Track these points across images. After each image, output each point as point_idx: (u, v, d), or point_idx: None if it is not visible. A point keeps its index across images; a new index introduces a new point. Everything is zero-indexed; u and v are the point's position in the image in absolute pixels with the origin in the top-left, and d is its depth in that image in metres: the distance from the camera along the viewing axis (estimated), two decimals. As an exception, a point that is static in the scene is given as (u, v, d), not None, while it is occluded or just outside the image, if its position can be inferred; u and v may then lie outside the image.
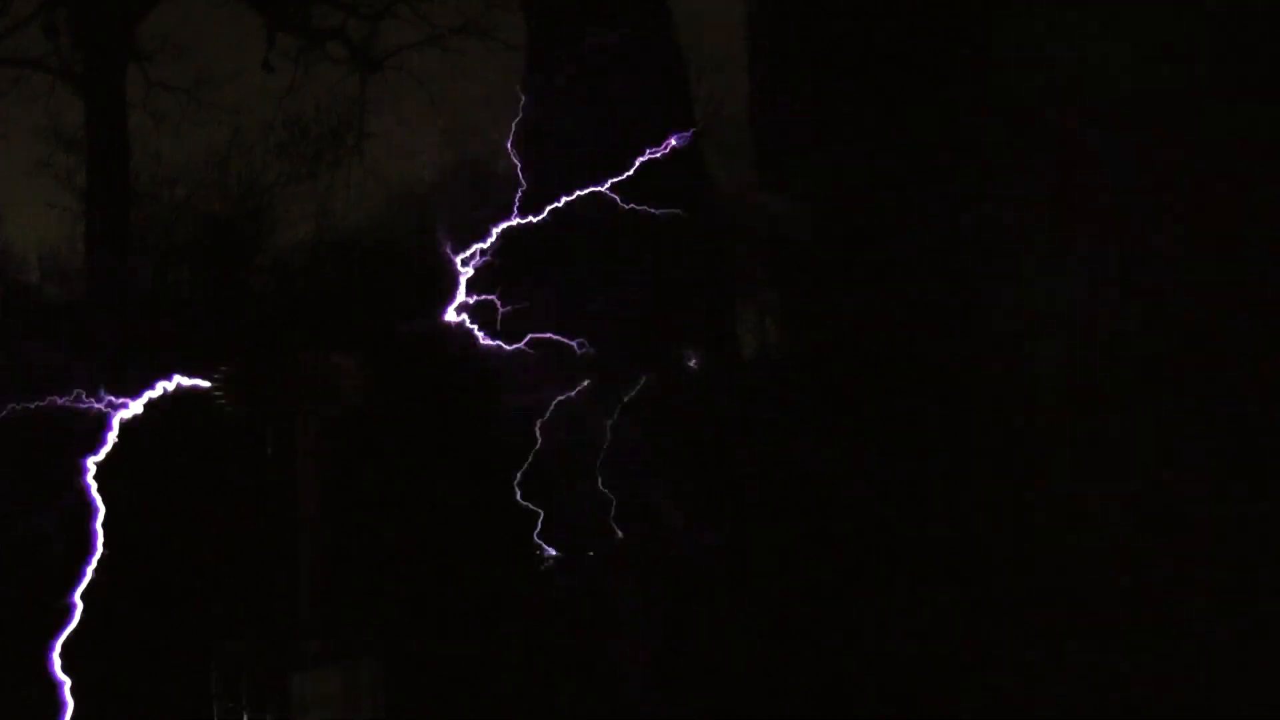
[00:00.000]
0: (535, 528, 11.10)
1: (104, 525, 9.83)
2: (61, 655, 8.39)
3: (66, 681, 7.44)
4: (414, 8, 14.92)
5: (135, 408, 7.88)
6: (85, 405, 8.20)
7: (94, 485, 7.54)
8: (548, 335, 10.19)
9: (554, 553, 11.35)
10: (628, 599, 10.44)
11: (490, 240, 9.60)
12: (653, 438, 10.88)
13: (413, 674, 10.12)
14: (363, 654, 9.51)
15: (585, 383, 10.65)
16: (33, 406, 8.89)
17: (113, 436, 7.66)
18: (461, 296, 9.63)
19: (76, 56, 14.72)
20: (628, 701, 9.47)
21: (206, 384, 8.96)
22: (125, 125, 14.63)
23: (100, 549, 7.57)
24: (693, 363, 12.03)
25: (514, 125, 10.44)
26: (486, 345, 9.86)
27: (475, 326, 9.77)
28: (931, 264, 9.35)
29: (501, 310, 9.86)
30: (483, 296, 9.78)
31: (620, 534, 11.15)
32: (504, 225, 9.65)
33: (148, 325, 12.49)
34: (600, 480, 11.09)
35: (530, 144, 10.93)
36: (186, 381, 8.31)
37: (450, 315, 9.62)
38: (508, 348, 9.98)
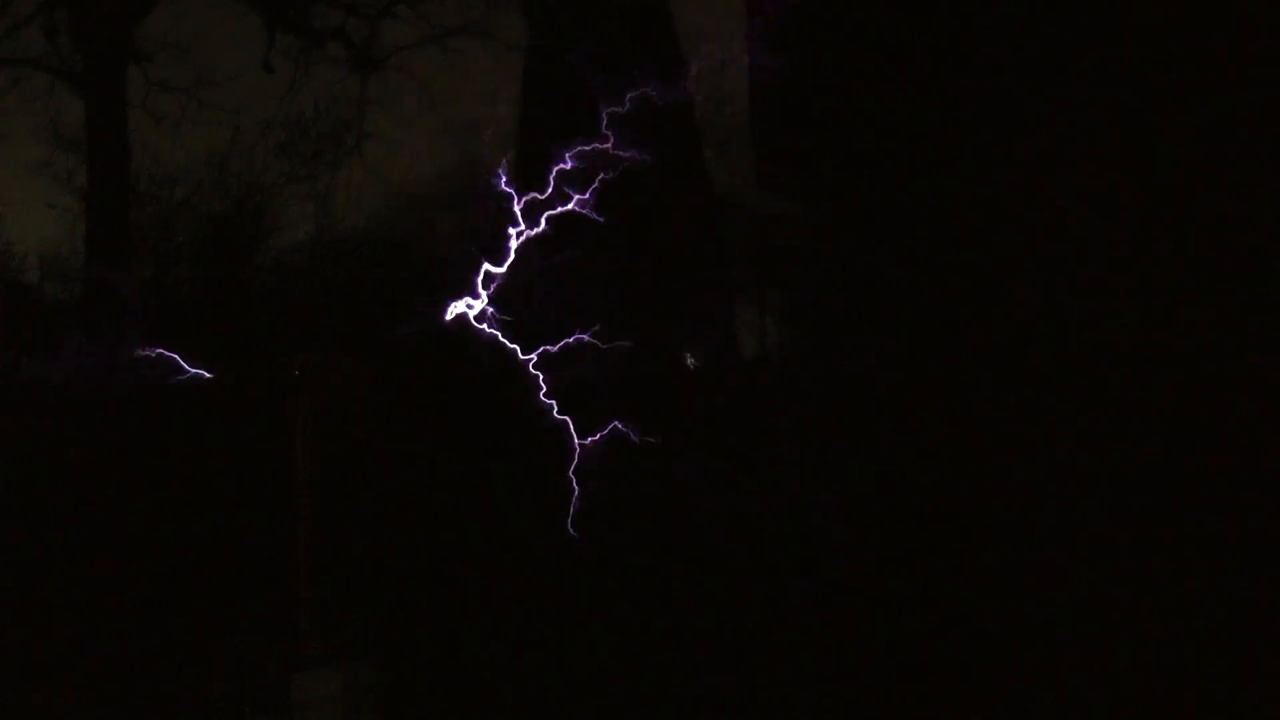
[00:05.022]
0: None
1: (103, 525, 9.81)
2: (61, 657, 8.39)
3: None
4: (414, 8, 14.92)
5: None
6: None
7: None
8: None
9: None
10: None
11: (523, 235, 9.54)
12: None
13: (413, 675, 10.12)
14: (362, 655, 9.53)
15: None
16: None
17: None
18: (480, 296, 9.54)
19: (76, 56, 14.72)
20: None
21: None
22: (125, 125, 14.64)
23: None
24: (692, 363, 12.01)
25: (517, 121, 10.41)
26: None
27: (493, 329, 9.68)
28: (932, 264, 9.35)
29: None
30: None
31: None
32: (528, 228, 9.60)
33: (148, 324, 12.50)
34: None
35: (528, 147, 10.91)
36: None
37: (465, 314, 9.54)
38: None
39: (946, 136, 9.39)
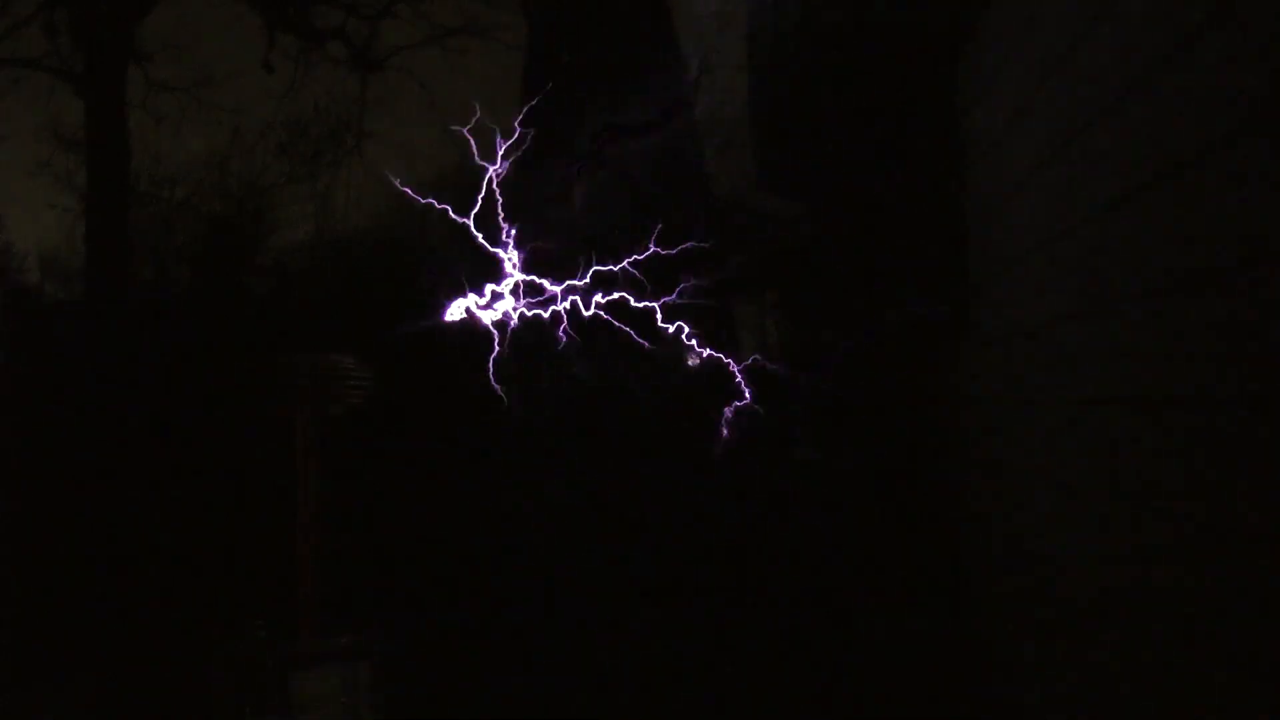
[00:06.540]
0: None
1: (102, 525, 9.68)
2: (62, 656, 8.36)
3: None
4: (414, 8, 14.96)
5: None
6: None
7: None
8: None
9: None
10: None
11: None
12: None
13: (413, 674, 10.13)
14: (362, 654, 9.53)
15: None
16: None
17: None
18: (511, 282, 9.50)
19: (76, 56, 14.74)
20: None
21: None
22: (125, 125, 14.65)
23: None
24: (693, 363, 12.01)
25: (515, 122, 10.41)
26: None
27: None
28: (932, 264, 9.36)
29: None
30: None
31: None
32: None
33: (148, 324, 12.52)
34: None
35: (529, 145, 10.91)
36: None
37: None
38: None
39: (949, 137, 9.40)
